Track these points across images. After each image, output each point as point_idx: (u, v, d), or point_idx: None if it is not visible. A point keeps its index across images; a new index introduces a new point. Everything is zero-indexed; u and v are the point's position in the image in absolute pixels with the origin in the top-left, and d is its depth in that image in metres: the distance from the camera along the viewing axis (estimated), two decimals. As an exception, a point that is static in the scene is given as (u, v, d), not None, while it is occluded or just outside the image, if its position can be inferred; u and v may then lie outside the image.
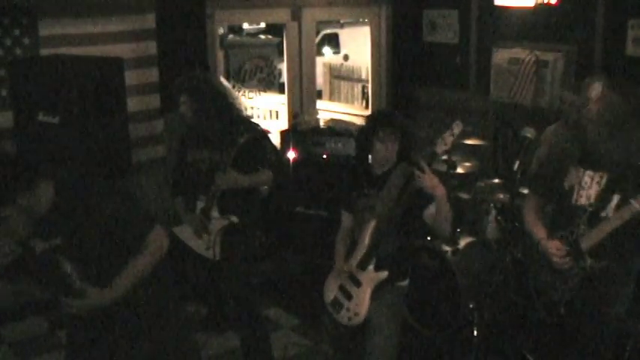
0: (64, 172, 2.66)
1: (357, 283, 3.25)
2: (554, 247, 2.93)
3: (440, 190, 3.00)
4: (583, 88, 2.90)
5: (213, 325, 4.45)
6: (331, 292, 3.35)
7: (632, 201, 2.75)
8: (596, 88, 2.82)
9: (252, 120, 4.04)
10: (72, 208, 2.52)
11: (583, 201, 2.89)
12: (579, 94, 2.96)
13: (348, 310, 3.25)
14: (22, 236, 2.52)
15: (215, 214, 3.60)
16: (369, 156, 3.30)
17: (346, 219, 3.43)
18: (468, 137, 4.74)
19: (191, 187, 3.70)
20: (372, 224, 3.21)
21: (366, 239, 3.22)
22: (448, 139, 3.06)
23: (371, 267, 3.22)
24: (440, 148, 3.06)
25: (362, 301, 3.22)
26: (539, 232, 3.04)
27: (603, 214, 2.85)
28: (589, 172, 2.90)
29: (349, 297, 3.26)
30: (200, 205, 3.63)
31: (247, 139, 3.52)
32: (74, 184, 2.59)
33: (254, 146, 3.62)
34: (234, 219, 3.60)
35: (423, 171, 2.96)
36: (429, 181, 2.97)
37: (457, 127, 3.07)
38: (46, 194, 2.49)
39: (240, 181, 3.58)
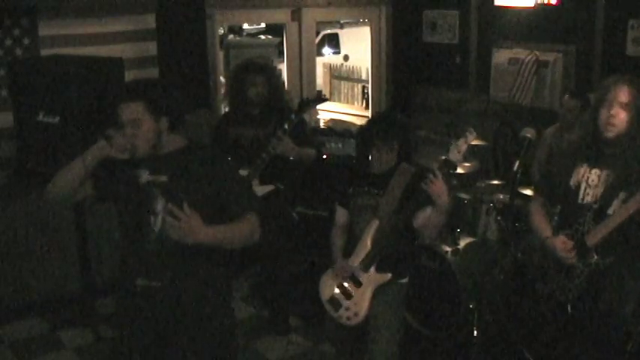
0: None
1: (358, 283, 3.24)
2: (560, 243, 2.92)
3: (444, 199, 3.03)
4: (602, 91, 2.87)
5: (276, 329, 4.47)
6: (329, 289, 3.34)
7: (638, 195, 2.74)
8: (624, 94, 2.81)
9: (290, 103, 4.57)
10: (191, 159, 2.67)
11: (589, 199, 2.88)
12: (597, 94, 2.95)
13: (347, 309, 3.25)
14: (141, 150, 2.62)
15: (255, 183, 3.99)
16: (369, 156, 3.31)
17: (341, 215, 3.42)
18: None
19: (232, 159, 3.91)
20: (375, 225, 3.20)
21: (368, 240, 3.22)
22: (462, 146, 3.07)
23: (373, 268, 3.22)
24: (453, 155, 3.07)
25: (362, 302, 3.22)
26: (545, 230, 3.04)
27: (609, 212, 2.84)
28: (595, 170, 2.89)
29: (349, 296, 3.26)
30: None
31: (297, 118, 4.03)
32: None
33: (302, 124, 4.18)
34: (280, 185, 4.13)
35: (435, 176, 2.98)
36: (439, 187, 2.99)
37: (471, 135, 3.08)
38: (179, 141, 2.69)
39: (291, 149, 3.98)
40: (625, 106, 2.80)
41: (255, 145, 4.11)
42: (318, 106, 6.88)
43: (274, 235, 4.11)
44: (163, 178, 2.64)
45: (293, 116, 4.01)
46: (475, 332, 4.07)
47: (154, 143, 2.63)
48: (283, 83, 4.47)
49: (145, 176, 2.67)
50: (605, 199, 2.84)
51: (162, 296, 2.69)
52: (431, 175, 3.00)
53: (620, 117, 2.80)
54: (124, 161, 2.67)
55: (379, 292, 3.23)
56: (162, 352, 2.76)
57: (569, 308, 2.98)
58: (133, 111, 2.57)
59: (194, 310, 2.72)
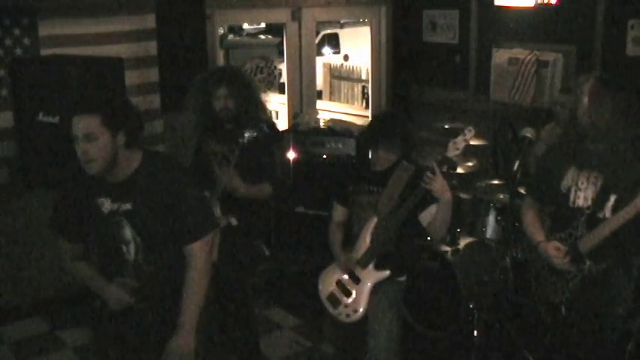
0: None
1: (357, 280, 3.26)
2: (553, 249, 2.93)
3: (448, 195, 3.04)
4: (575, 87, 2.89)
5: None
6: (327, 287, 3.35)
7: (637, 200, 2.73)
8: (587, 87, 2.81)
9: (267, 119, 3.89)
10: (150, 179, 2.60)
11: (581, 202, 2.89)
12: (572, 93, 2.96)
13: (346, 306, 3.26)
14: (97, 166, 2.55)
15: (217, 212, 3.43)
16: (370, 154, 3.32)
17: (338, 212, 3.43)
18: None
19: (200, 178, 3.47)
20: (373, 222, 3.21)
21: (367, 237, 3.23)
22: (460, 144, 3.07)
23: (371, 265, 3.23)
24: (451, 152, 3.07)
25: (361, 299, 3.23)
26: (538, 234, 3.04)
27: (600, 215, 2.84)
28: (584, 173, 2.89)
29: (348, 294, 3.27)
30: None
31: (249, 140, 3.48)
32: (161, 160, 2.71)
33: (258, 151, 3.56)
34: (234, 221, 3.48)
35: (434, 173, 2.98)
36: (440, 184, 2.99)
37: (470, 133, 3.08)
38: (135, 159, 2.61)
39: (238, 188, 3.48)
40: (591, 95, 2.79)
41: (223, 165, 3.53)
42: (319, 106, 6.90)
43: (231, 271, 3.58)
44: (127, 206, 2.59)
45: (242, 141, 3.43)
46: (475, 332, 4.07)
47: (110, 160, 2.52)
48: (256, 93, 3.73)
49: (107, 205, 2.61)
50: (597, 202, 2.84)
51: (149, 316, 2.70)
52: (429, 173, 3.00)
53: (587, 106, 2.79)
54: (83, 194, 2.64)
55: (378, 290, 3.24)
56: None
57: (562, 310, 2.99)
58: (87, 125, 2.46)
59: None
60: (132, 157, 2.60)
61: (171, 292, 2.67)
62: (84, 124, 2.46)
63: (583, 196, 2.88)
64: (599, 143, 2.85)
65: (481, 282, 4.23)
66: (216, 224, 2.77)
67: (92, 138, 2.46)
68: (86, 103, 2.52)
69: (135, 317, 2.72)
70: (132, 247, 2.62)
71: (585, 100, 2.80)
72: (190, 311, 2.62)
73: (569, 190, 2.92)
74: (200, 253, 2.65)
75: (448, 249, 4.28)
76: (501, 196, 4.49)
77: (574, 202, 2.91)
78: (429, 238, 4.33)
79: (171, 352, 2.60)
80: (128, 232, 2.61)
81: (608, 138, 2.81)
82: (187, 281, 2.63)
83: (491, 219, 4.47)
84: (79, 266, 2.75)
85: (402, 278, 3.34)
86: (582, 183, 2.89)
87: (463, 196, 4.70)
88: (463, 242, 4.37)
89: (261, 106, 3.75)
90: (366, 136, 3.36)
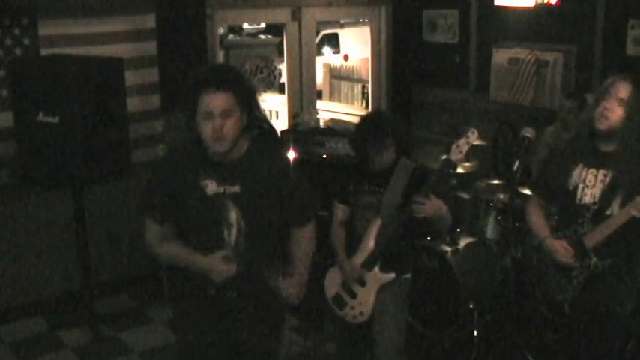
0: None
1: (362, 283, 3.26)
2: (559, 246, 2.92)
3: (443, 209, 3.10)
4: (605, 87, 2.87)
5: None
6: (333, 287, 3.36)
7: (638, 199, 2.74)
8: (623, 88, 2.81)
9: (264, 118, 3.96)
10: (259, 163, 2.61)
11: (587, 199, 2.89)
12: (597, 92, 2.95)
13: (352, 308, 3.27)
14: (227, 143, 2.52)
15: None
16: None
17: (340, 211, 3.41)
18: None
19: None
20: (377, 224, 3.21)
21: (371, 239, 3.22)
22: (464, 147, 3.06)
23: (377, 267, 3.23)
24: (455, 155, 3.06)
25: (367, 301, 3.24)
26: (543, 230, 3.04)
27: (608, 212, 2.84)
28: (592, 171, 2.89)
29: (353, 295, 3.27)
30: None
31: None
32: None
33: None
34: None
35: (422, 203, 3.00)
36: (432, 208, 3.04)
37: (472, 135, 3.07)
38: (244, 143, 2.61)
39: None
40: (621, 102, 2.80)
41: None
42: (319, 106, 6.89)
43: None
44: (235, 189, 2.55)
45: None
46: (475, 332, 4.07)
47: (236, 139, 2.53)
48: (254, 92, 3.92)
49: (211, 187, 2.56)
50: (604, 200, 2.84)
51: (236, 306, 2.67)
52: (416, 205, 3.02)
53: (615, 111, 2.80)
54: (181, 175, 2.59)
55: (383, 287, 3.25)
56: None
57: (566, 308, 2.99)
58: (226, 101, 2.46)
59: (261, 319, 2.72)
60: (243, 140, 2.60)
61: (259, 286, 2.67)
62: (223, 101, 2.45)
63: (590, 193, 2.89)
64: (609, 142, 2.85)
65: (481, 282, 4.23)
66: (316, 215, 2.83)
67: (228, 115, 2.46)
68: (224, 81, 2.49)
69: (223, 308, 2.69)
70: (234, 230, 2.57)
71: (618, 98, 2.79)
72: (300, 260, 2.72)
73: (575, 187, 2.93)
74: (303, 234, 2.76)
75: (448, 249, 4.28)
76: (501, 196, 4.49)
77: (580, 200, 2.91)
78: (428, 238, 4.34)
79: (284, 290, 2.68)
80: (233, 215, 2.56)
81: (618, 137, 2.81)
82: (295, 244, 2.74)
83: (491, 219, 4.48)
84: (170, 245, 2.65)
85: (408, 275, 3.34)
86: (590, 181, 2.89)
87: (463, 196, 4.71)
88: (463, 242, 4.37)
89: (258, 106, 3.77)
90: (354, 142, 3.34)
